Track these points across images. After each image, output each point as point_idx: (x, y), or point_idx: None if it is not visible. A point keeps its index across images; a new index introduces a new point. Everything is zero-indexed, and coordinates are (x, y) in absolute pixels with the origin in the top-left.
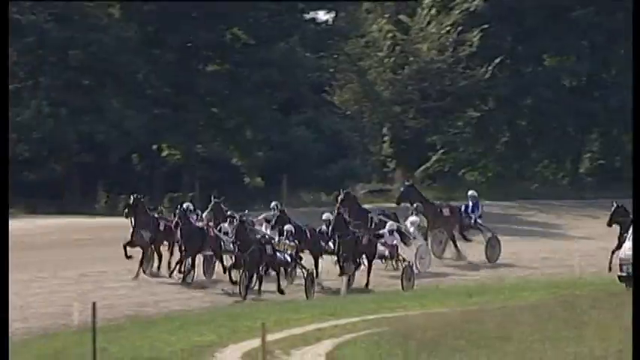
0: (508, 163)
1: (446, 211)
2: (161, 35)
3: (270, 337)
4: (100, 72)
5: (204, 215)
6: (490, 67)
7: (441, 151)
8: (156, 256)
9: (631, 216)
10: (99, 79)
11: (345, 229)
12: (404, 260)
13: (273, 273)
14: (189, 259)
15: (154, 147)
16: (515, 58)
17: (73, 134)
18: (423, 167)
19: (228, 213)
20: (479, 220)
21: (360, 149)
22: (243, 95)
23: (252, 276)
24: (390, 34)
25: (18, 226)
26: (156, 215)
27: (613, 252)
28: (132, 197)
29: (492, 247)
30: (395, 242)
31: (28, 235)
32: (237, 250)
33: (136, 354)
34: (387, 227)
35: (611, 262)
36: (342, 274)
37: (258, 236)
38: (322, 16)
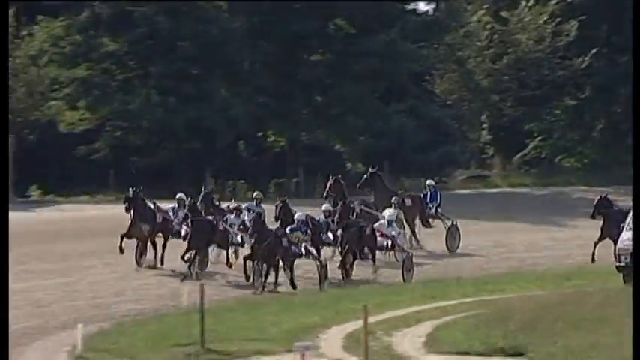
0: (604, 149)
1: (408, 201)
2: (266, 27)
3: (371, 319)
4: (208, 62)
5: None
6: (587, 57)
7: (538, 138)
8: (150, 247)
9: (614, 207)
10: (206, 69)
11: (349, 219)
12: (404, 251)
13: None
14: (193, 252)
15: (259, 134)
16: (611, 48)
17: (182, 122)
18: (521, 154)
19: (231, 205)
20: (439, 210)
21: (459, 136)
22: (345, 84)
23: (269, 268)
24: (488, 25)
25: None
26: (152, 207)
27: (596, 243)
28: (130, 190)
29: (452, 236)
30: (394, 233)
31: None
32: (254, 242)
33: (243, 334)
34: (386, 217)
35: (594, 254)
36: (343, 265)
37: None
38: (423, 7)
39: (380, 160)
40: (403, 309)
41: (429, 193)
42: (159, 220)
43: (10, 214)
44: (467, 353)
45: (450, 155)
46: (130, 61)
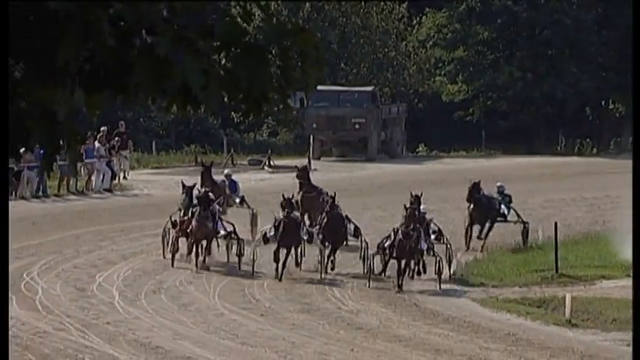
0: None
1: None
2: (610, 17)
3: None
4: (562, 45)
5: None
6: None
7: None
8: None
9: (482, 192)
10: (560, 51)
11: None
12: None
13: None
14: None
15: (603, 102)
16: None
17: (538, 93)
18: None
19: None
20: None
21: None
22: None
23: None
24: None
25: (497, 164)
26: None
27: (467, 229)
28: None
29: None
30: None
31: (504, 169)
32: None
33: (589, 262)
34: None
35: (467, 240)
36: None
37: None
38: None
39: None
40: None
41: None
42: None
43: (404, 166)
44: None
45: None
46: (498, 44)
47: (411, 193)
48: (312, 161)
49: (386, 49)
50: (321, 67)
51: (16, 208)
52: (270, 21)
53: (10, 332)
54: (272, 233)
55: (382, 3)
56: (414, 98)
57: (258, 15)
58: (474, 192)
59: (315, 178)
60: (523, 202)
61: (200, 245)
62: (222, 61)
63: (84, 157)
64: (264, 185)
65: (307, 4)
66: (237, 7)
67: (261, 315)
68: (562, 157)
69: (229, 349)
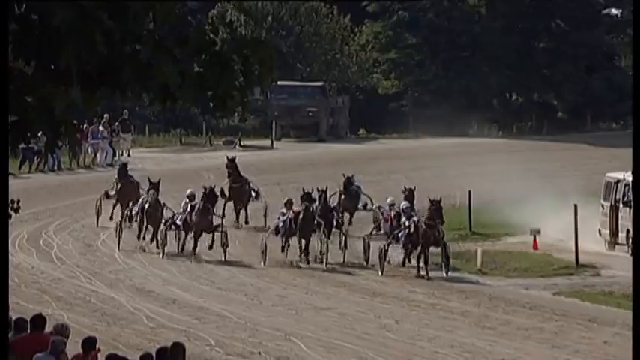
0: None
1: None
2: (512, 25)
3: None
4: (474, 48)
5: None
6: None
7: None
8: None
9: (354, 186)
10: (473, 53)
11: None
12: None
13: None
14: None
15: (507, 94)
16: None
17: (456, 87)
18: None
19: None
20: None
21: None
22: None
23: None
24: None
25: (422, 144)
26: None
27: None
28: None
29: None
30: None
31: (428, 148)
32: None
33: (494, 223)
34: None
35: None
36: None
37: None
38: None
39: None
40: None
41: None
42: None
43: (348, 146)
44: None
45: None
46: (423, 48)
47: (432, 201)
48: (274, 142)
49: (333, 52)
50: (273, 72)
51: (36, 180)
52: (234, 34)
53: (31, 279)
54: (281, 225)
55: (329, 14)
56: (355, 91)
57: (225, 29)
58: (348, 185)
59: (276, 155)
60: (442, 174)
61: (198, 237)
62: (195, 66)
63: (90, 138)
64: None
65: (269, 16)
66: (207, 24)
67: (233, 265)
68: (474, 138)
69: (207, 293)
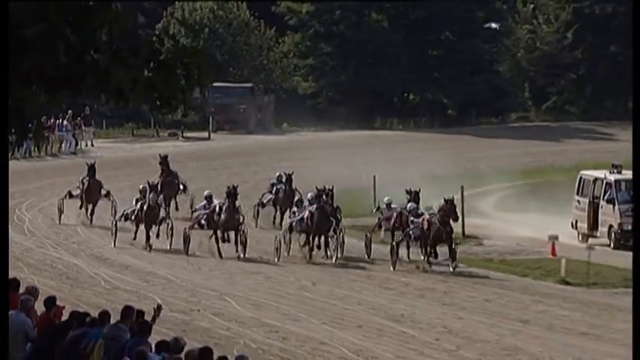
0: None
1: None
2: (409, 34)
3: None
4: (378, 55)
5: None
6: None
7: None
8: None
9: (171, 169)
10: (377, 59)
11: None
12: None
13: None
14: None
15: (405, 94)
16: None
17: (363, 88)
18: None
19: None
20: None
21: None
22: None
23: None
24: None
25: (336, 135)
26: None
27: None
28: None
29: None
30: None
31: (340, 138)
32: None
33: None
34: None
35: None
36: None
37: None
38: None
39: None
40: None
41: None
42: None
43: (273, 137)
44: None
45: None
46: (335, 55)
47: (446, 200)
48: (211, 134)
49: (260, 59)
50: (210, 75)
51: (10, 166)
52: (177, 45)
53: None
54: (297, 222)
55: (257, 27)
56: (279, 91)
57: (169, 41)
58: (164, 166)
59: (213, 145)
60: (351, 161)
61: (227, 234)
62: (145, 72)
63: (57, 130)
64: (178, 150)
65: (206, 29)
66: (155, 37)
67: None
68: (378, 131)
69: (156, 260)
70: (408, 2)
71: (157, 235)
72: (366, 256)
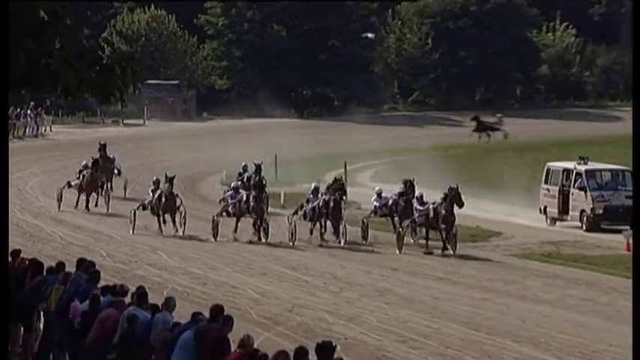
0: None
1: None
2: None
3: None
4: (304, 58)
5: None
6: None
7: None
8: None
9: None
10: (303, 62)
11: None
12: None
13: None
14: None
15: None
16: None
17: (268, 84)
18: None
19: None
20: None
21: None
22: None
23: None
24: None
25: (248, 122)
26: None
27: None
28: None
29: None
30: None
31: (253, 125)
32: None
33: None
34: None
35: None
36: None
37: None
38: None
39: None
40: None
41: None
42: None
43: (196, 124)
44: None
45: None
46: (243, 57)
47: (451, 188)
48: (146, 121)
49: (185, 61)
50: (142, 76)
51: None
52: (116, 52)
53: None
54: (309, 210)
55: (182, 36)
56: (200, 87)
57: (109, 48)
58: (103, 152)
59: (147, 130)
60: (257, 143)
61: (258, 222)
62: (90, 73)
63: (22, 117)
64: (119, 134)
65: (143, 37)
66: (98, 45)
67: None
68: (278, 119)
69: (102, 221)
70: (302, 15)
71: (173, 222)
72: (364, 240)
